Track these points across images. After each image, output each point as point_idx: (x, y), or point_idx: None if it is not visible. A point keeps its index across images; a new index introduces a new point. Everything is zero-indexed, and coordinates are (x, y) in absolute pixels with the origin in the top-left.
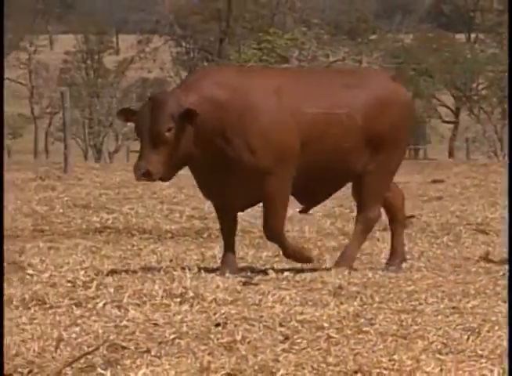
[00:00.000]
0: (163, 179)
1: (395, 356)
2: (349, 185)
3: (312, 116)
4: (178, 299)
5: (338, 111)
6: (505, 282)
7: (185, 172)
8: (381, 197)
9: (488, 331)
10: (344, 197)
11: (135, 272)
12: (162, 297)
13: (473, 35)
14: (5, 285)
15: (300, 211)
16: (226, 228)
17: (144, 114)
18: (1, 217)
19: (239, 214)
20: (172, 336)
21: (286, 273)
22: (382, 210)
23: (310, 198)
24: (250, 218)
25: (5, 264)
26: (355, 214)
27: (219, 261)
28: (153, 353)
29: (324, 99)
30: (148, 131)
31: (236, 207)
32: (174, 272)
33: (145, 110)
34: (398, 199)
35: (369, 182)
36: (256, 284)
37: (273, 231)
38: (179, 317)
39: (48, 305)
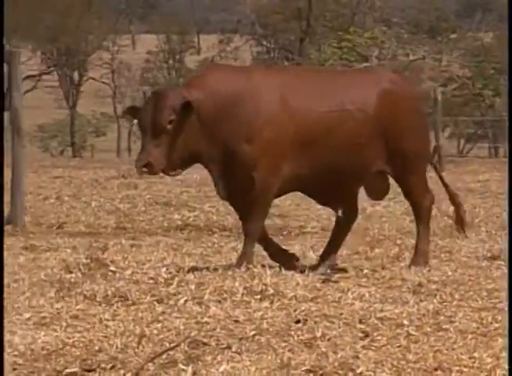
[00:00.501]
0: (166, 172)
1: (475, 354)
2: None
3: (322, 114)
4: (259, 296)
5: (350, 108)
6: None
7: None
8: (425, 184)
9: None
10: None
11: (215, 269)
12: (242, 294)
13: None
14: (88, 281)
15: (339, 215)
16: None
17: (146, 109)
18: (2, 216)
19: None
20: (253, 332)
21: (365, 271)
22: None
23: (330, 198)
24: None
25: (88, 260)
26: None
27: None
28: (233, 349)
29: (333, 97)
30: (149, 124)
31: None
32: (255, 270)
33: (147, 104)
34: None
35: (407, 177)
36: (336, 282)
37: (250, 226)
38: (259, 314)
39: (130, 302)
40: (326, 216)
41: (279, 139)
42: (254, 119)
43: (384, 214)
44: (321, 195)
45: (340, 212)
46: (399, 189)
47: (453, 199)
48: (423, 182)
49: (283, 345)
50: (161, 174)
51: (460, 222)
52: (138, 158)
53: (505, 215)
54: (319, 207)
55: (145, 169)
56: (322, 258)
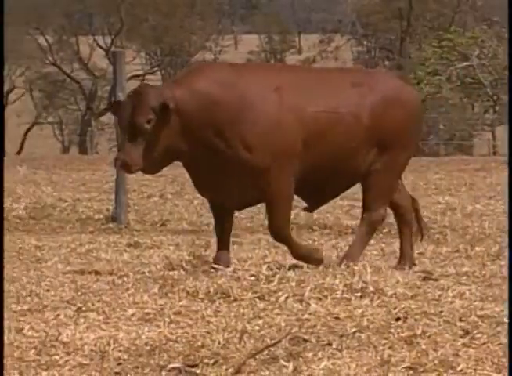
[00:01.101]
0: (145, 172)
1: None
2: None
3: (316, 115)
4: (359, 293)
5: (343, 110)
6: None
7: None
8: (387, 198)
9: None
10: None
11: (316, 266)
12: (343, 291)
13: None
14: (191, 278)
15: (304, 209)
16: (220, 226)
17: (125, 106)
18: (1, 215)
19: None
20: (353, 329)
21: (465, 268)
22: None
23: (316, 198)
24: None
25: (190, 258)
26: None
27: (398, 256)
28: (334, 346)
29: (328, 97)
30: (128, 122)
31: (232, 205)
32: (355, 267)
33: (126, 102)
34: (406, 200)
35: (374, 183)
36: (436, 280)
37: (279, 231)
38: (360, 311)
39: (232, 298)
40: (426, 214)
41: (284, 142)
42: (255, 124)
43: (485, 212)
44: (311, 195)
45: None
46: (498, 188)
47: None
48: (388, 194)
49: (383, 342)
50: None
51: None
52: (115, 157)
53: None
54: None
55: (122, 168)
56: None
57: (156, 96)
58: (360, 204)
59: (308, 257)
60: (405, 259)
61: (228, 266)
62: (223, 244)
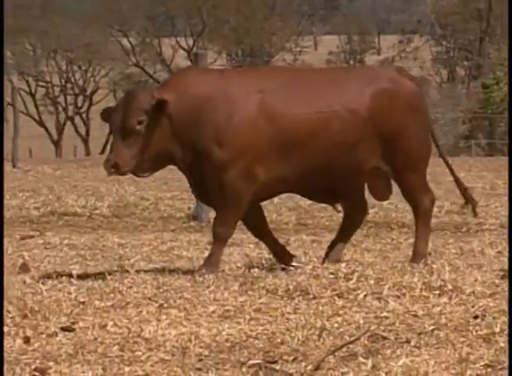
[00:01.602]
0: (135, 174)
1: None
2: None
3: (304, 116)
4: (437, 292)
5: (337, 108)
6: None
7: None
8: (425, 185)
9: None
10: None
11: (394, 264)
12: (421, 289)
13: None
14: (271, 276)
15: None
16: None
17: (117, 109)
18: (1, 215)
19: None
20: (431, 327)
21: None
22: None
23: (327, 196)
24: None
25: (269, 256)
26: None
27: (477, 255)
28: (412, 344)
29: (321, 96)
30: (119, 124)
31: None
32: (433, 266)
33: (118, 104)
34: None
35: (405, 176)
36: None
37: (220, 230)
38: (438, 309)
39: (311, 296)
40: (504, 213)
41: (254, 143)
42: (227, 123)
43: None
44: (315, 194)
45: (338, 208)
46: None
47: (458, 183)
48: (422, 182)
49: (462, 340)
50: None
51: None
52: (106, 159)
53: None
54: (498, 203)
55: (112, 170)
56: (327, 253)
57: (147, 99)
58: (438, 203)
59: (212, 270)
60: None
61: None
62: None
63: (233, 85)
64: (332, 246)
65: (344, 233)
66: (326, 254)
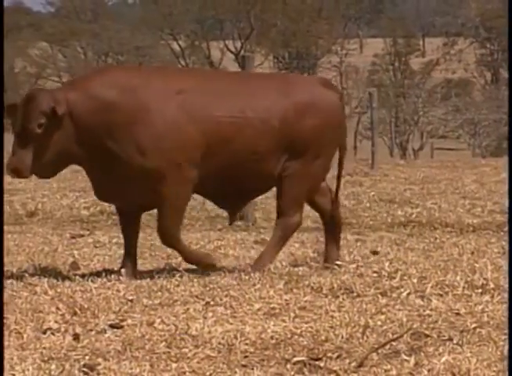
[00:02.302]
0: (39, 176)
1: None
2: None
3: (219, 119)
4: (479, 290)
5: (250, 115)
6: None
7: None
8: (301, 203)
9: None
10: None
11: (437, 263)
12: (463, 288)
13: None
14: (315, 274)
15: (229, 223)
16: (125, 230)
17: (18, 110)
18: (1, 215)
19: None
20: (473, 325)
21: None
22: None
23: (231, 203)
24: None
25: (315, 254)
26: None
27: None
28: (454, 341)
29: (235, 102)
30: (20, 127)
31: (132, 210)
32: (476, 265)
33: (20, 105)
34: (330, 203)
35: (288, 188)
36: None
37: (168, 236)
38: (480, 307)
39: (355, 294)
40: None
41: (182, 146)
42: (146, 127)
43: None
44: (220, 198)
45: (235, 219)
46: None
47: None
48: (302, 198)
49: (504, 337)
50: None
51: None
52: (7, 162)
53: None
54: None
55: (13, 174)
56: (326, 259)
57: (47, 100)
58: (481, 202)
59: (199, 262)
60: (329, 261)
61: (133, 271)
62: (128, 248)
63: (150, 86)
64: (326, 248)
65: (330, 233)
66: (325, 260)
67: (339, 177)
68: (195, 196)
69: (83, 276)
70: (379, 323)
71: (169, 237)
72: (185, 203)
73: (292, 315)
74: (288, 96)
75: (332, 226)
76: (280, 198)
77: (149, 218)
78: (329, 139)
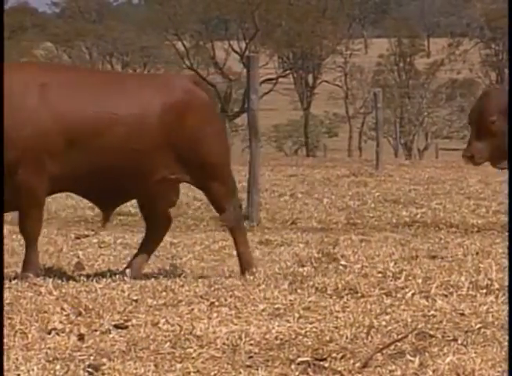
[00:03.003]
0: None
1: None
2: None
3: (85, 115)
4: (484, 290)
5: (122, 113)
6: None
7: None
8: (229, 192)
9: None
10: None
11: (442, 264)
12: (468, 288)
13: None
14: (320, 275)
15: (102, 225)
16: None
17: None
18: (1, 215)
19: None
20: (478, 325)
21: None
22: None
23: (104, 202)
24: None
25: (319, 255)
26: None
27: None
28: (459, 342)
29: (105, 99)
30: None
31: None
32: (481, 265)
33: None
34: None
35: (209, 189)
36: None
37: (26, 232)
38: (485, 308)
39: (359, 294)
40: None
41: (40, 137)
42: (9, 121)
43: None
44: (98, 198)
45: (108, 219)
46: None
47: None
48: (226, 189)
49: (508, 338)
50: None
51: None
52: None
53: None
54: None
55: None
56: (129, 264)
57: None
58: (485, 203)
59: (31, 269)
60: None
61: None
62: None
63: (13, 78)
64: (135, 258)
65: (146, 246)
66: (128, 265)
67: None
68: (199, 196)
69: (88, 276)
70: (383, 323)
71: (28, 234)
72: (41, 199)
73: (296, 315)
74: (162, 96)
75: (158, 230)
76: (213, 200)
77: None
78: (211, 134)
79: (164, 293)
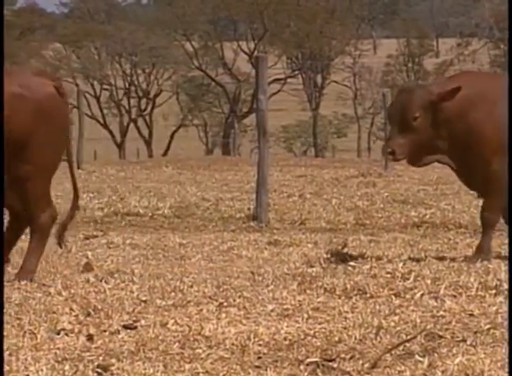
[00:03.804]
0: None
1: None
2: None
3: None
4: (493, 291)
5: None
6: None
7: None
8: (45, 198)
9: None
10: None
11: (451, 264)
12: (477, 289)
13: None
14: (328, 275)
15: None
16: None
17: None
18: (1, 216)
19: None
20: (487, 326)
21: None
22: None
23: None
24: None
25: (328, 255)
26: None
27: None
28: (468, 342)
29: None
30: None
31: None
32: (490, 265)
33: None
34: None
35: (24, 190)
36: None
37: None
38: (494, 308)
39: (368, 295)
40: None
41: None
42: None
43: None
44: None
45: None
46: None
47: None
48: (42, 194)
49: (509, 338)
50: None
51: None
52: None
53: None
54: None
55: None
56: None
57: None
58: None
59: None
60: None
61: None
62: None
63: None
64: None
65: (8, 241)
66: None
67: (72, 174)
68: (207, 197)
69: (96, 276)
70: (392, 324)
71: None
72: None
73: (305, 316)
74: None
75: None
76: (25, 201)
77: (163, 219)
78: (44, 132)
79: (172, 293)
